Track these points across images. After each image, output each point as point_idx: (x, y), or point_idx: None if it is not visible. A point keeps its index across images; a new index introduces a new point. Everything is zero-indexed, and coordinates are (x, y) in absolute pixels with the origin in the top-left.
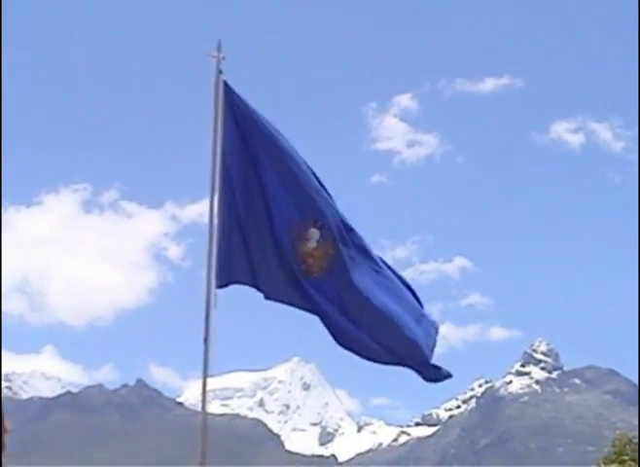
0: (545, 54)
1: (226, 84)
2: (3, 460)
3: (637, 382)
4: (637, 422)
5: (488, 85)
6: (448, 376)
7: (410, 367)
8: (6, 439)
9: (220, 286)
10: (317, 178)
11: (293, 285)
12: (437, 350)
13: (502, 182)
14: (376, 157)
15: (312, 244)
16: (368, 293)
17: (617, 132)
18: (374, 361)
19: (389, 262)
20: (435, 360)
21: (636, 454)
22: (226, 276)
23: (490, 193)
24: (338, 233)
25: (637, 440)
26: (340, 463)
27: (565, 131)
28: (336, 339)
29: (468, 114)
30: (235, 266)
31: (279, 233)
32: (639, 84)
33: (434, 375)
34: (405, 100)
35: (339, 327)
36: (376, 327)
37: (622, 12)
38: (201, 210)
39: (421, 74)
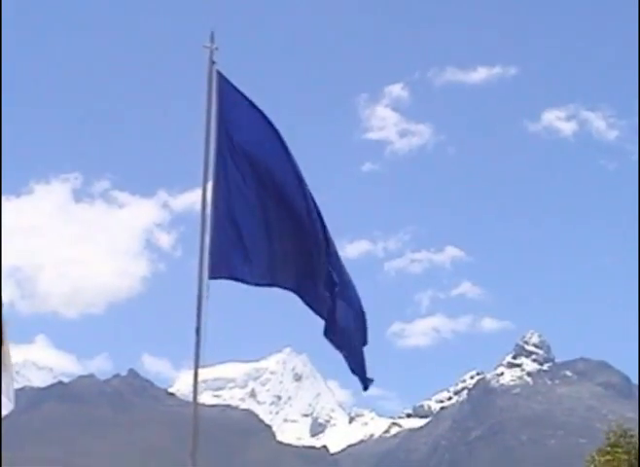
0: (538, 43)
1: (220, 74)
2: None
3: (628, 374)
4: (629, 414)
5: (481, 74)
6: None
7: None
8: None
9: (213, 277)
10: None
11: (306, 277)
12: (428, 342)
13: (495, 172)
14: (368, 146)
15: None
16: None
17: (610, 122)
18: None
19: (380, 251)
20: (427, 351)
21: (630, 447)
22: (220, 269)
23: (483, 182)
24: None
25: (631, 433)
26: (332, 454)
27: (558, 120)
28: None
29: (460, 103)
30: (232, 259)
31: (302, 221)
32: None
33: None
34: (396, 90)
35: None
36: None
37: (617, 1)
38: (193, 199)
39: (412, 63)
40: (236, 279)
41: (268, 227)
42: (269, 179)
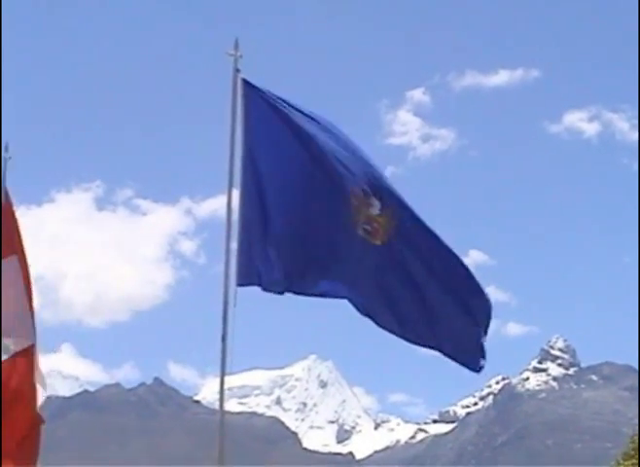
0: (560, 45)
1: (246, 81)
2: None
3: None
4: None
5: (502, 76)
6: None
7: (450, 356)
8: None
9: (241, 284)
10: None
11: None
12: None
13: (518, 175)
14: (390, 151)
15: (375, 211)
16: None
17: (634, 123)
18: (415, 342)
19: None
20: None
21: None
22: (249, 276)
23: (506, 186)
24: (397, 205)
25: None
26: (358, 461)
27: (581, 122)
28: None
29: (482, 107)
30: (261, 266)
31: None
32: None
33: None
34: (417, 95)
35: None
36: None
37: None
38: (216, 206)
39: (432, 67)
40: (265, 287)
41: (302, 234)
42: (298, 185)
